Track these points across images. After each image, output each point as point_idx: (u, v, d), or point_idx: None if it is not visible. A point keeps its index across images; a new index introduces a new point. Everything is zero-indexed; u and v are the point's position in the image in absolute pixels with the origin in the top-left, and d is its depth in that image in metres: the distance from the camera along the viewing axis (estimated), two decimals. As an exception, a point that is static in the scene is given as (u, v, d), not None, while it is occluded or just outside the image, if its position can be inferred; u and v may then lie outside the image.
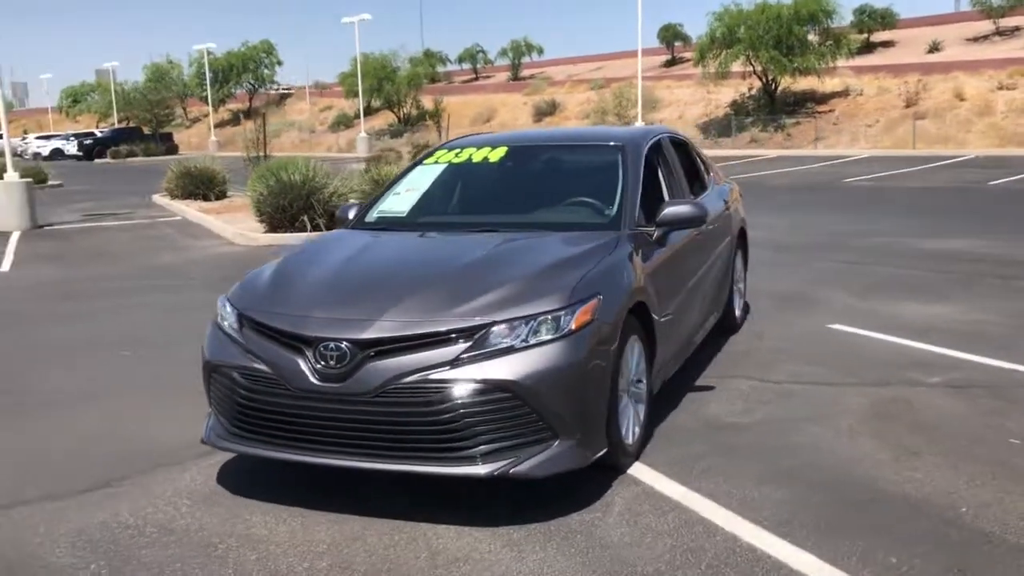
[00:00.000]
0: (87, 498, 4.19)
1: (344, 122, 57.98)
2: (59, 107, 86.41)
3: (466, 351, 3.70)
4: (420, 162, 5.95)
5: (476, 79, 69.23)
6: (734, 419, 5.05)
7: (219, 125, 67.71)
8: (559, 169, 5.68)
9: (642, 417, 4.55)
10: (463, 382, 3.65)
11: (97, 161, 51.34)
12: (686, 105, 44.31)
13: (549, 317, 3.84)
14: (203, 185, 19.84)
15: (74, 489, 4.29)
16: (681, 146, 6.48)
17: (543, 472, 3.74)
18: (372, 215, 5.47)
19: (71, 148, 54.55)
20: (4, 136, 17.22)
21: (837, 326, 7.13)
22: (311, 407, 3.82)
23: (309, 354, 3.82)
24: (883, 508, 3.81)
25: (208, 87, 62.59)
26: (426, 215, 5.41)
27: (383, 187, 6.00)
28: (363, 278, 4.39)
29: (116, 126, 64.40)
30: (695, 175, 6.51)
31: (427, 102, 54.66)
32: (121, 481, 4.38)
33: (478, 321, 3.77)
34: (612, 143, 5.58)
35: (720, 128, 40.16)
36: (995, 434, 4.66)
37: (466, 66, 72.12)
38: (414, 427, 3.71)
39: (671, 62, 58.11)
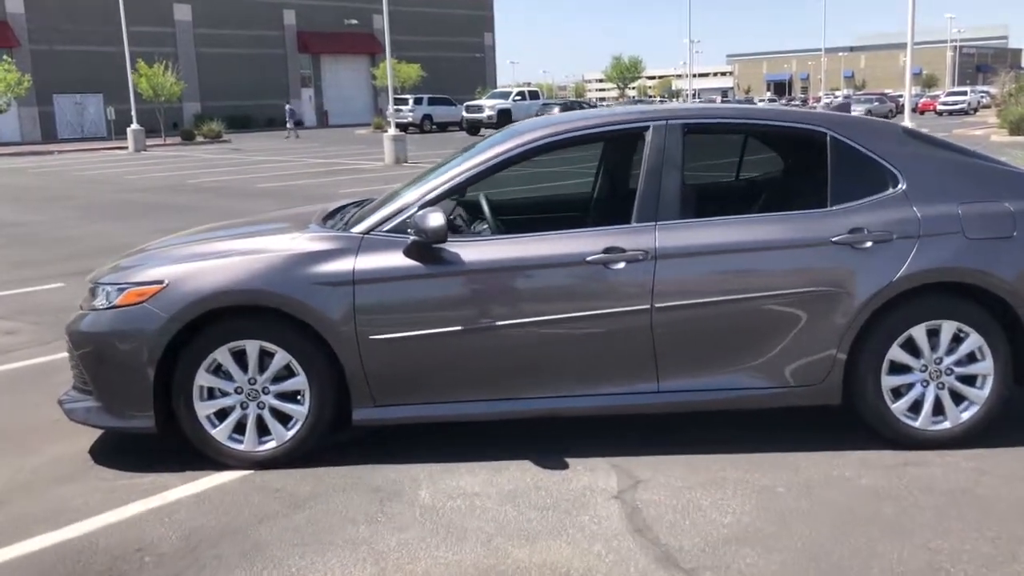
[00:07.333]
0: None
1: None
2: None
3: (85, 302, 4.54)
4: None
5: None
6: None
7: None
8: None
9: (287, 431, 4.25)
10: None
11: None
12: None
13: (111, 289, 4.31)
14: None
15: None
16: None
17: (75, 418, 4.36)
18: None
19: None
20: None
21: None
22: None
23: None
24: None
25: None
26: None
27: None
28: None
29: None
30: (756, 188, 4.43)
31: None
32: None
33: (92, 281, 4.53)
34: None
35: None
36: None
37: None
38: None
39: None
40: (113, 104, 44.41)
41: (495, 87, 65.71)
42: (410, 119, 44.50)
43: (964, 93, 64.26)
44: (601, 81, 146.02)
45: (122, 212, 15.25)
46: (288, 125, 44.22)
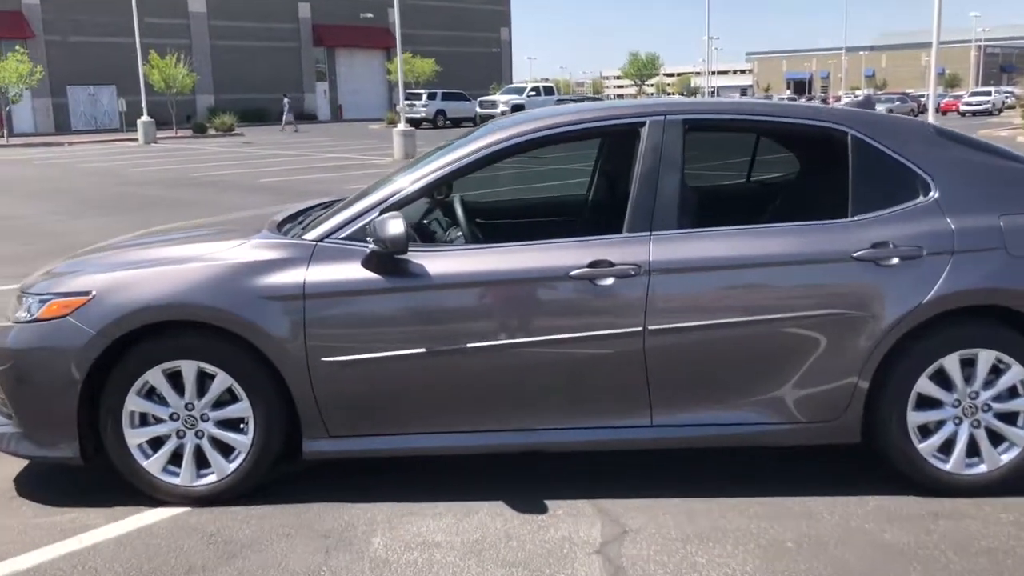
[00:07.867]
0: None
1: None
2: None
3: (12, 311, 4.05)
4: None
5: None
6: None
7: None
8: None
9: (229, 464, 3.74)
10: None
11: None
12: None
13: (34, 300, 3.81)
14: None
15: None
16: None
17: (-3, 445, 3.87)
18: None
19: None
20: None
21: None
22: None
23: None
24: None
25: None
26: None
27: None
28: None
29: None
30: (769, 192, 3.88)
31: None
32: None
33: (21, 289, 4.04)
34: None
35: None
36: None
37: None
38: None
39: None
40: (126, 96, 44.06)
41: (511, 83, 64.97)
42: (424, 114, 43.97)
43: (988, 93, 63.17)
44: (619, 78, 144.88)
45: (117, 206, 14.81)
46: (285, 118, 43.73)
